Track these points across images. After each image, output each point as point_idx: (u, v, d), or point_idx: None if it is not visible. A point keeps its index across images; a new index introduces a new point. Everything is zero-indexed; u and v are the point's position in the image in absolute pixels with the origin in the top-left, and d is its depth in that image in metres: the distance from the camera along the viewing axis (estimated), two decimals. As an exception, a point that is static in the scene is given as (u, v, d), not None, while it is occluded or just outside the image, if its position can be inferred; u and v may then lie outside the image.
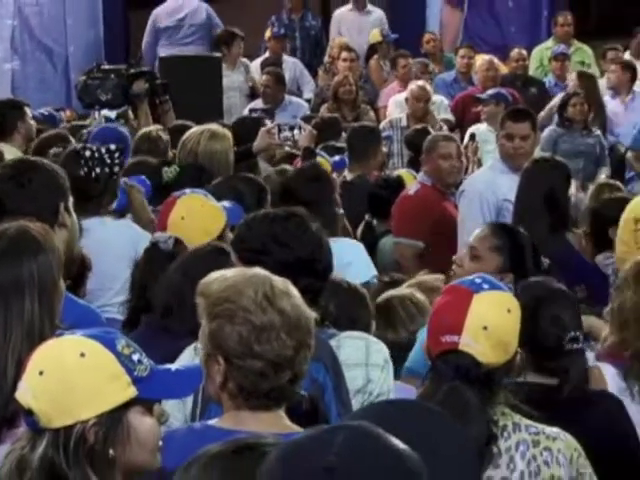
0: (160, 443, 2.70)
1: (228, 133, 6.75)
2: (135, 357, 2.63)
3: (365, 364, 3.57)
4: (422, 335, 3.92)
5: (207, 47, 12.44)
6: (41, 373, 2.57)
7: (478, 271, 4.56)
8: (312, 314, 2.93)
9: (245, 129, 7.54)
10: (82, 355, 2.58)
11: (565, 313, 3.87)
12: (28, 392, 2.57)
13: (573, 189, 7.84)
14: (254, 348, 2.82)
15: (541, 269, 4.78)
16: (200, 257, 4.28)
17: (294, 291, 2.92)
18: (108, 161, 5.42)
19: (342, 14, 13.62)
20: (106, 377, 2.59)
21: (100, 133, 7.03)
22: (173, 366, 2.84)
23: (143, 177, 6.19)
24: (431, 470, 1.71)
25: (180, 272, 4.26)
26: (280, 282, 2.92)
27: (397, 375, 4.11)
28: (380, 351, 3.64)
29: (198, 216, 4.92)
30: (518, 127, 6.91)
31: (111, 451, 2.58)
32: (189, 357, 3.52)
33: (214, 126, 6.85)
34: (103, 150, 5.46)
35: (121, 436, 2.59)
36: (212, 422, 3.01)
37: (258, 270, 2.96)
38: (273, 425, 2.84)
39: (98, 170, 5.38)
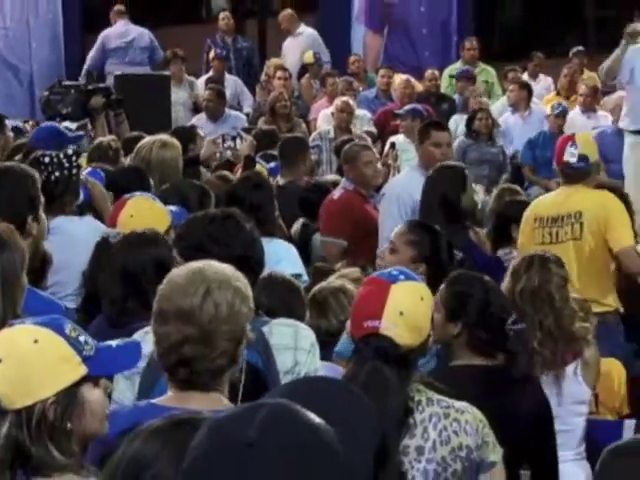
0: (107, 412, 2.72)
1: (177, 143, 6.70)
2: (82, 338, 2.65)
3: (294, 348, 3.56)
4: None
5: (150, 67, 12.46)
6: (0, 361, 2.56)
7: (396, 263, 4.61)
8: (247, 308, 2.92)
9: (179, 138, 7.51)
10: (36, 341, 2.58)
11: (500, 298, 3.90)
12: None
13: (480, 193, 7.90)
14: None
15: (454, 261, 4.82)
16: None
17: (236, 283, 2.91)
18: (66, 165, 5.36)
19: (289, 43, 13.63)
20: (59, 359, 2.59)
21: (37, 133, 7.00)
22: (114, 342, 2.83)
23: (98, 169, 6.16)
24: (342, 441, 1.69)
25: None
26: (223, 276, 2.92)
27: (329, 358, 4.12)
28: (307, 337, 3.63)
29: (145, 215, 4.86)
30: (443, 135, 6.99)
31: (69, 425, 2.57)
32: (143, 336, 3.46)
33: (165, 136, 6.82)
34: (61, 155, 5.40)
35: (77, 410, 2.59)
36: (155, 400, 2.99)
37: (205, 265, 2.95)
38: (211, 403, 2.82)
39: (57, 174, 5.30)
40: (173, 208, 5.15)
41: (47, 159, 5.31)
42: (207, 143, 7.31)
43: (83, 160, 6.81)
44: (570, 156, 6.12)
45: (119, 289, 4.20)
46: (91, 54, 12.75)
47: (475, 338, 3.86)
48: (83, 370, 2.60)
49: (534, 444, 3.84)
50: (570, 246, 6.01)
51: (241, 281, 2.92)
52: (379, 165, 7.62)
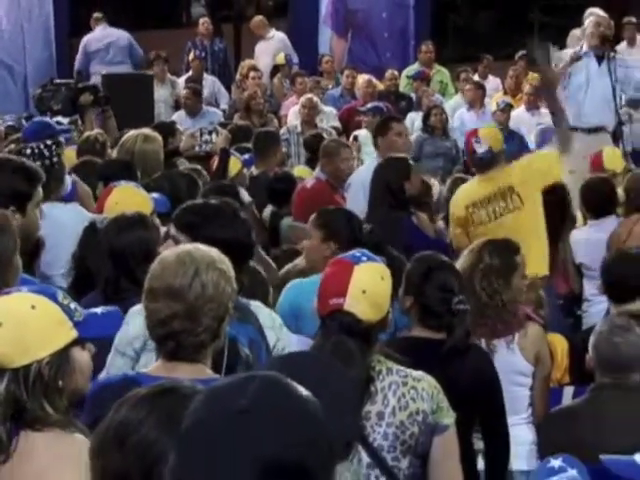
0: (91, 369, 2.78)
1: (159, 136, 6.67)
2: (72, 305, 2.71)
3: (273, 327, 3.57)
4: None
5: (131, 65, 12.40)
6: (0, 324, 2.60)
7: (311, 245, 4.72)
8: (231, 288, 2.92)
9: (160, 132, 7.41)
10: (33, 307, 2.62)
11: (449, 279, 3.90)
12: None
13: (436, 184, 7.93)
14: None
15: (363, 233, 4.80)
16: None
17: (221, 266, 2.91)
18: (47, 154, 5.33)
19: (261, 47, 13.60)
20: (54, 323, 2.64)
21: (28, 127, 6.91)
22: (98, 310, 2.88)
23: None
24: (325, 408, 1.70)
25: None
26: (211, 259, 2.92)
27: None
28: (277, 317, 3.64)
29: (129, 203, 4.79)
30: (403, 126, 7.21)
31: (60, 382, 2.60)
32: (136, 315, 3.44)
33: (147, 130, 6.77)
34: (42, 146, 5.37)
35: (68, 369, 2.63)
36: (144, 370, 2.99)
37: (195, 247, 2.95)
38: (195, 373, 2.82)
39: (39, 163, 5.22)
40: (156, 195, 5.13)
41: (29, 151, 5.30)
42: (186, 137, 7.28)
43: (73, 152, 6.80)
44: (477, 148, 6.30)
45: (111, 269, 4.17)
46: (77, 57, 12.77)
47: (423, 313, 3.87)
48: (74, 334, 2.65)
49: (482, 408, 3.86)
50: (510, 218, 6.10)
51: (225, 264, 2.92)
52: (355, 162, 7.71)
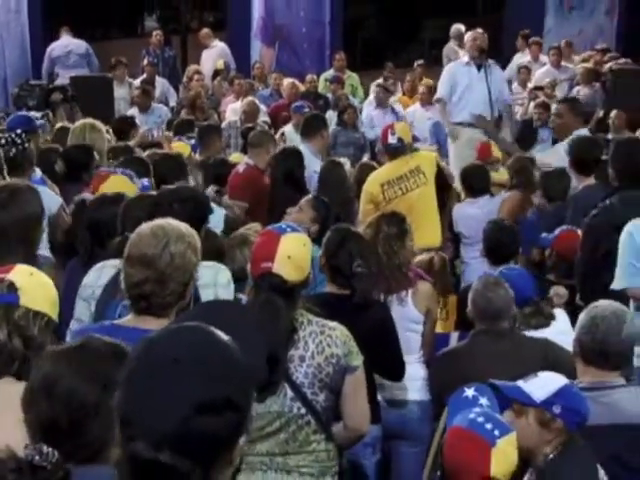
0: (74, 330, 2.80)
1: (103, 127, 6.60)
2: None
3: (214, 285, 3.52)
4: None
5: (87, 70, 12.23)
6: (31, 274, 2.58)
7: (299, 219, 4.74)
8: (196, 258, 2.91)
9: (122, 125, 7.66)
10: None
11: (355, 247, 3.88)
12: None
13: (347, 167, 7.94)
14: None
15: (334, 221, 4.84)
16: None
17: (189, 239, 2.89)
18: (19, 142, 5.21)
19: (207, 54, 13.47)
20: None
21: (13, 119, 6.83)
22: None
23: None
24: (243, 352, 1.68)
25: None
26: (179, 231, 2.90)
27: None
28: (225, 275, 3.59)
29: (119, 188, 4.52)
30: (326, 131, 7.32)
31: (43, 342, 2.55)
32: (111, 272, 3.44)
33: (93, 121, 6.65)
34: (13, 135, 5.27)
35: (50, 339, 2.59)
36: (117, 321, 2.95)
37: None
38: (160, 326, 2.71)
39: (14, 150, 5.16)
40: (146, 182, 4.99)
41: (3, 141, 5.19)
42: (140, 134, 7.68)
43: (48, 136, 6.71)
44: (391, 139, 6.38)
45: (88, 238, 4.09)
46: (44, 61, 12.56)
47: (333, 273, 3.86)
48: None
49: (382, 350, 3.84)
50: (417, 192, 6.19)
51: (193, 237, 2.90)
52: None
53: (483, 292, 4.05)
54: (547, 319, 4.22)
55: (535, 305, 4.27)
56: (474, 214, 6.37)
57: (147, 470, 1.52)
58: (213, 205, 5.52)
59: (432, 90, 10.76)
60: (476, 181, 6.59)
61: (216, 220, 5.14)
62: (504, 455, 2.65)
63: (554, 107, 7.60)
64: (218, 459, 1.57)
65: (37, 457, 1.74)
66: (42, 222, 3.89)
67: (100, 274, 3.47)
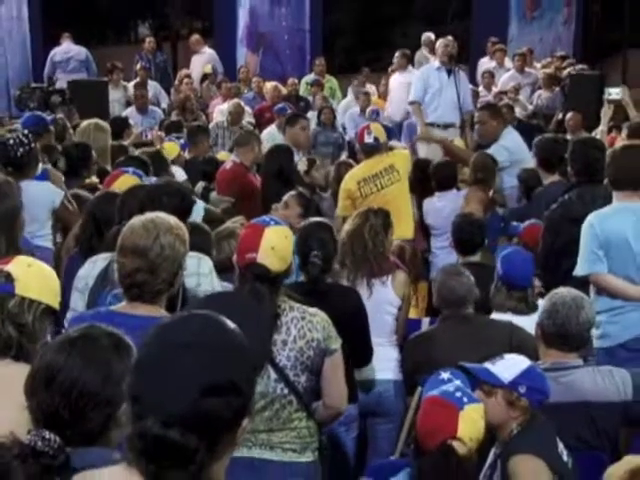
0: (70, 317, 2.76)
1: (108, 126, 6.64)
2: None
3: (198, 273, 3.49)
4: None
5: (86, 74, 12.12)
6: (29, 265, 2.55)
7: (286, 215, 4.68)
8: (184, 248, 2.89)
9: (117, 125, 7.60)
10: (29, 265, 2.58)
11: (314, 238, 3.84)
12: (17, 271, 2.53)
13: (329, 166, 7.92)
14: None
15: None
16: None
17: (177, 231, 2.88)
18: (26, 142, 5.16)
19: (196, 59, 13.32)
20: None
21: (27, 118, 6.76)
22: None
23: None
24: (247, 337, 1.67)
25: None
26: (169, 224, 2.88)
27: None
28: (207, 265, 3.56)
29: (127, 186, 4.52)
30: (307, 122, 7.29)
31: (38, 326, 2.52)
32: (103, 264, 3.44)
33: (98, 120, 6.71)
34: (21, 136, 5.21)
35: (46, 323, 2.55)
36: (112, 308, 2.92)
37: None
38: (152, 312, 2.79)
39: (21, 149, 5.11)
40: (154, 179, 4.94)
41: (12, 141, 5.12)
42: (134, 135, 7.65)
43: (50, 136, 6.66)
44: (367, 138, 6.34)
45: (89, 231, 4.06)
46: (46, 65, 12.43)
47: (301, 262, 3.82)
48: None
49: (354, 332, 3.79)
50: (393, 189, 6.18)
51: (181, 229, 2.89)
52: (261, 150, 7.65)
53: (446, 281, 4.06)
54: (529, 309, 4.19)
55: (524, 292, 4.24)
56: (442, 207, 6.39)
57: (156, 446, 1.53)
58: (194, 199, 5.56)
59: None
60: (445, 177, 6.60)
61: (196, 212, 5.13)
62: (471, 420, 2.72)
63: (476, 115, 7.59)
64: (222, 438, 1.57)
65: (40, 443, 1.73)
66: (21, 214, 3.85)
67: (93, 266, 3.48)
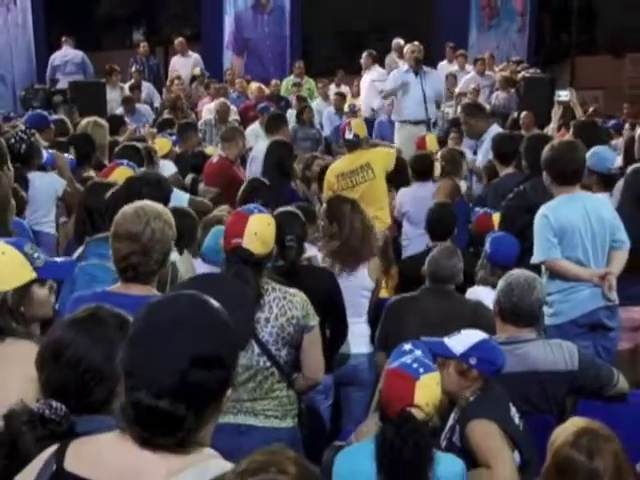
0: (52, 301, 2.65)
1: (106, 123, 6.62)
2: (35, 254, 2.56)
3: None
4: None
5: (82, 76, 11.97)
6: (3, 253, 2.48)
7: None
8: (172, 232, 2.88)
9: (113, 123, 7.53)
10: (3, 253, 2.49)
11: (288, 224, 3.76)
12: None
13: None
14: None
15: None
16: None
17: (165, 217, 2.87)
18: (26, 137, 5.12)
19: (176, 59, 13.21)
20: (18, 266, 2.50)
21: (31, 116, 6.74)
22: (59, 259, 2.81)
23: (71, 157, 5.95)
24: (230, 316, 1.66)
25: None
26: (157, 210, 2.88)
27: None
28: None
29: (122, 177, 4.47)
30: (286, 126, 7.19)
31: (22, 308, 2.49)
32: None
33: (98, 118, 6.70)
34: (20, 132, 5.17)
35: (27, 300, 2.51)
36: (109, 288, 2.90)
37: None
38: (144, 292, 2.78)
39: (24, 145, 5.07)
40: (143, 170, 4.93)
41: (13, 140, 5.08)
42: (129, 131, 7.62)
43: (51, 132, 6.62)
44: (348, 134, 6.27)
45: (82, 219, 4.00)
46: (47, 68, 12.28)
47: (279, 247, 3.57)
48: (33, 274, 2.51)
49: (330, 308, 3.77)
50: (365, 186, 6.16)
51: (168, 214, 2.89)
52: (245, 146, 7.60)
53: (439, 258, 4.09)
54: None
55: (506, 271, 4.24)
56: (420, 196, 6.34)
57: (148, 415, 1.53)
58: (178, 190, 5.52)
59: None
60: (424, 167, 6.55)
61: (179, 201, 5.12)
62: (427, 387, 2.73)
63: (460, 115, 7.61)
64: (208, 407, 1.57)
65: (47, 411, 1.75)
66: (10, 202, 3.81)
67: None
